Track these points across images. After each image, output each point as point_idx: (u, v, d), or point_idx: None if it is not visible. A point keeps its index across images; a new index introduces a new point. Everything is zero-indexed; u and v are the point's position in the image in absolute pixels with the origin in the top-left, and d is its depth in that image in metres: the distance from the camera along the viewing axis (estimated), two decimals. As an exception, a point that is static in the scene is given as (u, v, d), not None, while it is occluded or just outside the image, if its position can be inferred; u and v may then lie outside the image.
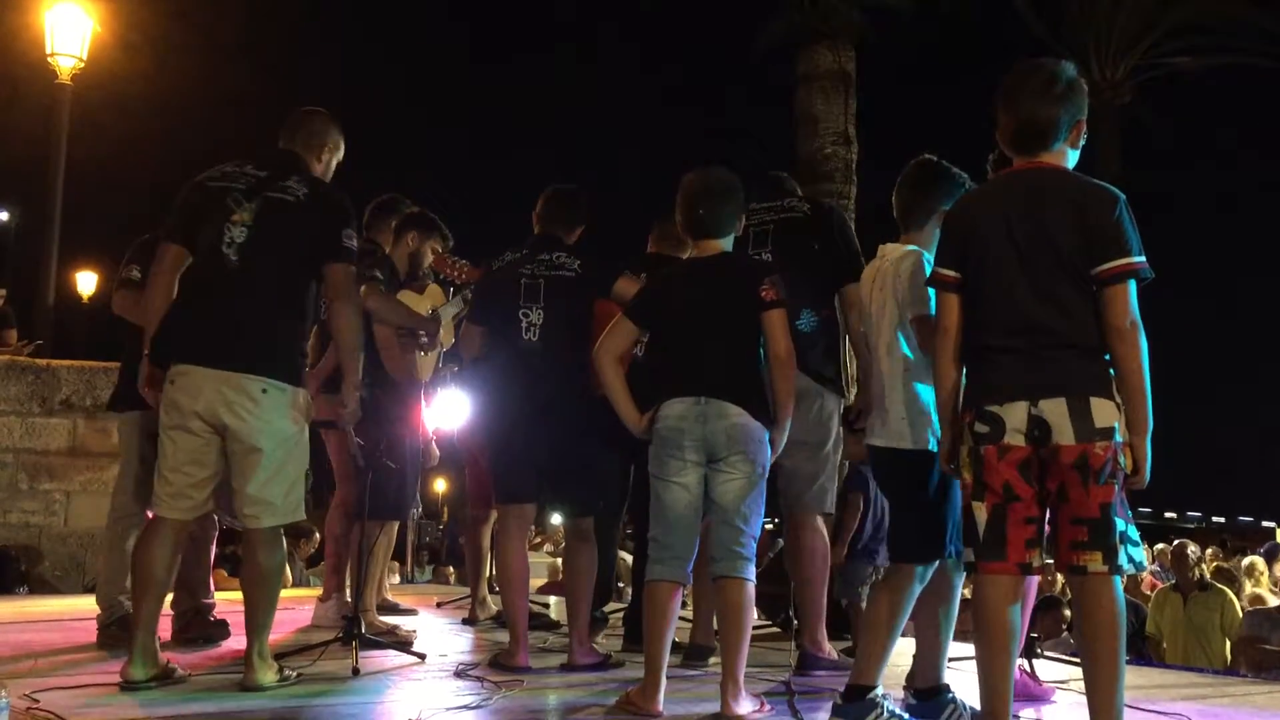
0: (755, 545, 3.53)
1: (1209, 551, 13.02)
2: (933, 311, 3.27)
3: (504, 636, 4.99)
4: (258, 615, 3.71)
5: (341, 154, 4.12)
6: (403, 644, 4.66)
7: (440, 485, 28.76)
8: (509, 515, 4.41)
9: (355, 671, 4.01)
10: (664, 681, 3.49)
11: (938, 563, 3.30)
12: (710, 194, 3.70)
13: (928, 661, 3.46)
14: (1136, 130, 18.47)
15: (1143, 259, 2.83)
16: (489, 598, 6.01)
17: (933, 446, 3.24)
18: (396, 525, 5.69)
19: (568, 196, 4.60)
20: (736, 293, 3.60)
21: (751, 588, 3.50)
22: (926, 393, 3.28)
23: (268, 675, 3.70)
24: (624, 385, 3.70)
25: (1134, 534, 2.83)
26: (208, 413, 3.63)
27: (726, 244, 3.73)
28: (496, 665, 4.22)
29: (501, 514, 4.53)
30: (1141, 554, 2.86)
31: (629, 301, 3.88)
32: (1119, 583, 2.83)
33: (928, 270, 3.32)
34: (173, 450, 3.70)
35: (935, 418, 3.21)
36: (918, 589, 3.32)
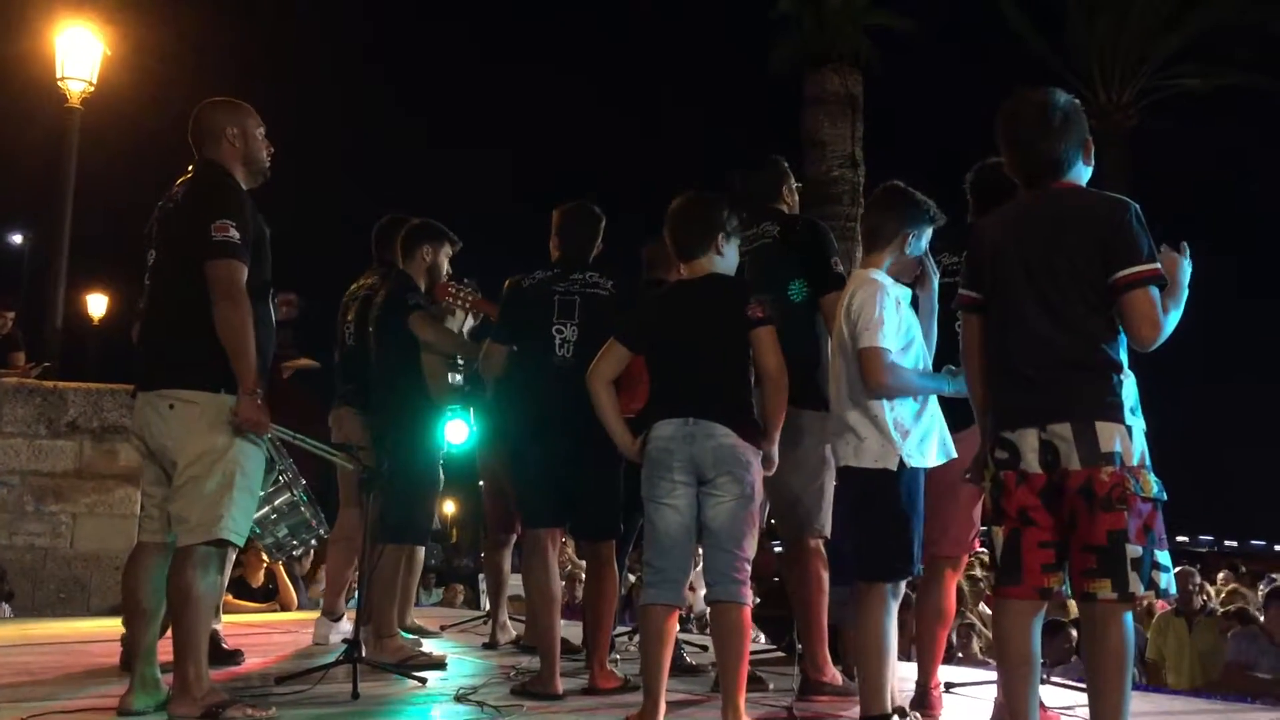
0: (749, 567, 3.51)
1: (1220, 576, 12.92)
2: (881, 344, 3.34)
3: (517, 660, 4.98)
4: (179, 638, 3.49)
5: (252, 133, 3.82)
6: (403, 668, 4.62)
7: (449, 507, 28.74)
8: (540, 538, 4.35)
9: (355, 695, 3.99)
10: (663, 706, 3.47)
11: (907, 580, 3.38)
12: (685, 216, 3.74)
13: (870, 687, 3.38)
14: (1145, 153, 18.49)
15: (1158, 265, 2.84)
16: (509, 622, 5.97)
17: (900, 465, 3.35)
18: (416, 550, 5.63)
19: (586, 214, 4.59)
20: (724, 313, 3.61)
21: (747, 612, 3.49)
22: (890, 414, 3.36)
23: (190, 710, 3.44)
24: (617, 409, 3.71)
25: (1165, 560, 2.80)
26: (142, 434, 3.68)
27: (715, 264, 3.71)
28: (527, 693, 4.15)
29: (531, 537, 4.43)
30: (1169, 580, 2.82)
31: (619, 325, 3.88)
32: (1129, 612, 2.81)
33: (887, 302, 3.37)
34: (142, 476, 3.77)
35: (898, 438, 3.35)
36: (894, 605, 3.37)
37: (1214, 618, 7.55)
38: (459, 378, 5.12)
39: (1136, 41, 17.38)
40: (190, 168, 3.82)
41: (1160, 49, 17.36)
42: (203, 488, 3.53)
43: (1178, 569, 8.35)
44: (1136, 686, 5.91)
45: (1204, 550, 37.51)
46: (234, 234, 3.54)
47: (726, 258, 3.74)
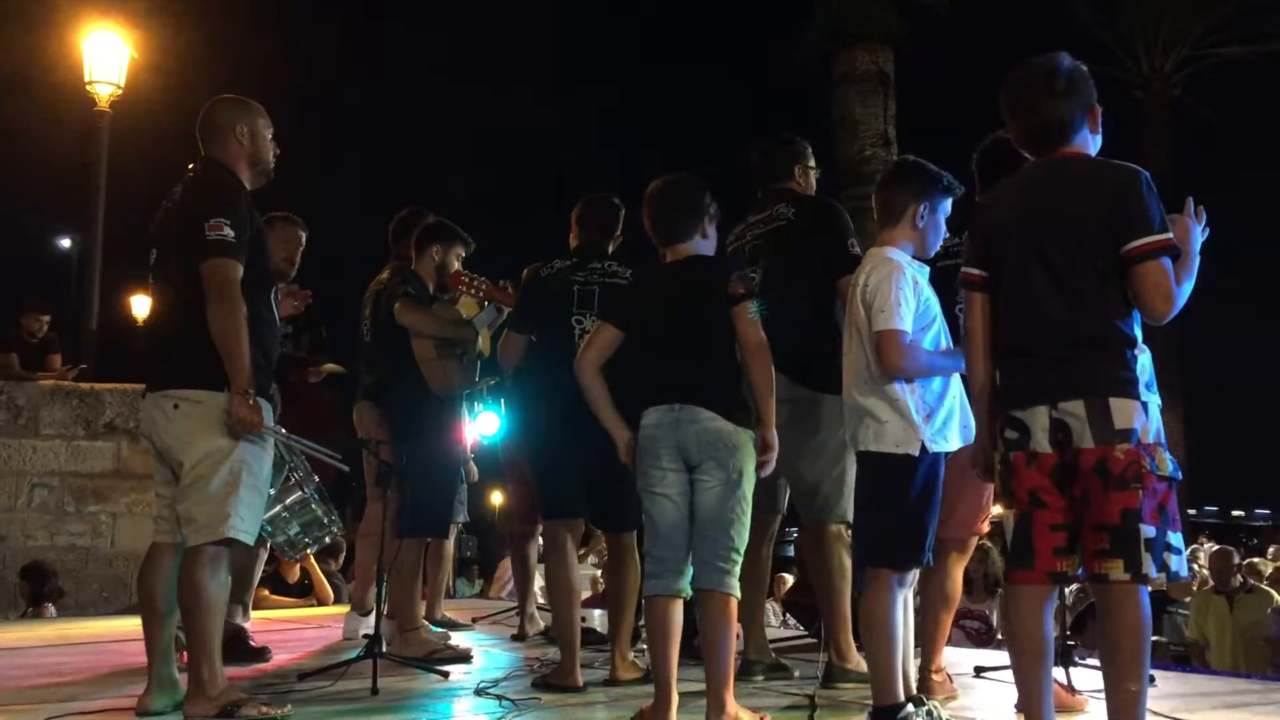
0: (739, 555, 3.41)
1: (1271, 550, 12.69)
2: (898, 325, 3.23)
3: (544, 652, 4.97)
4: (192, 638, 3.50)
5: (261, 133, 3.81)
6: (426, 662, 4.61)
7: (497, 498, 28.87)
8: (559, 530, 4.35)
9: (374, 691, 3.98)
10: (675, 697, 3.41)
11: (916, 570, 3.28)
12: (663, 199, 3.67)
13: (878, 676, 3.30)
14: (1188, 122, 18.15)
15: (1170, 235, 2.74)
16: (536, 613, 5.98)
17: (922, 450, 3.25)
18: (442, 542, 5.63)
19: (606, 205, 4.60)
20: (707, 293, 3.53)
21: (733, 601, 3.38)
22: (910, 398, 3.27)
23: (205, 709, 3.43)
24: (608, 397, 3.61)
25: (1176, 541, 2.72)
26: (150, 435, 3.67)
27: (699, 247, 3.63)
28: (546, 685, 4.14)
29: (550, 529, 4.44)
30: (1180, 563, 2.74)
31: (608, 306, 3.82)
32: (1145, 592, 2.73)
33: (904, 282, 3.27)
34: (154, 477, 3.77)
35: (920, 422, 3.24)
36: (899, 593, 3.28)
37: (1256, 595, 7.42)
38: (456, 369, 5.06)
39: (1183, 8, 17.06)
40: (191, 165, 3.81)
41: (1206, 16, 17.03)
42: (209, 487, 3.51)
43: (1216, 548, 8.26)
44: (1175, 667, 5.80)
45: (1259, 524, 36.88)
46: (228, 232, 3.51)
47: (710, 240, 3.67)
